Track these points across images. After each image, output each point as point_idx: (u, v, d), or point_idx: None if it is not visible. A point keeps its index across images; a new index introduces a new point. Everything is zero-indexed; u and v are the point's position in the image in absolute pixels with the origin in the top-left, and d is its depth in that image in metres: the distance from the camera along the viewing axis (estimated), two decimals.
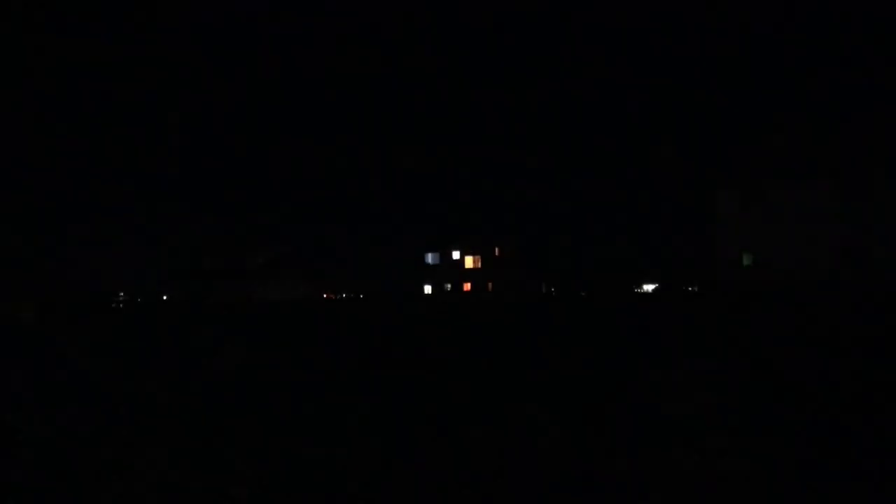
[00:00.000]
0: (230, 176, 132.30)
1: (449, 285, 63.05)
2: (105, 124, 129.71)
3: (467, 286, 62.86)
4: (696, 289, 62.48)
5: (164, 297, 62.26)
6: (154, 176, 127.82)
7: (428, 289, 63.90)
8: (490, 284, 62.57)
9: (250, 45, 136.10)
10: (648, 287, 73.99)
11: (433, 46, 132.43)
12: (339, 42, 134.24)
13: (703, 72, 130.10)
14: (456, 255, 63.31)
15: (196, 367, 11.38)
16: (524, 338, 14.36)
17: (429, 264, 64.15)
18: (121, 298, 59.44)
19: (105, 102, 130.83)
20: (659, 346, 11.68)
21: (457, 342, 13.75)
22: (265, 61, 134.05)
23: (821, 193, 41.12)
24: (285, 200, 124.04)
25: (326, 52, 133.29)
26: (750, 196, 43.74)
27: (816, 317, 17.23)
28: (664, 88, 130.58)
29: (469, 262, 63.25)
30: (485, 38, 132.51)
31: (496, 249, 62.87)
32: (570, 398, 7.56)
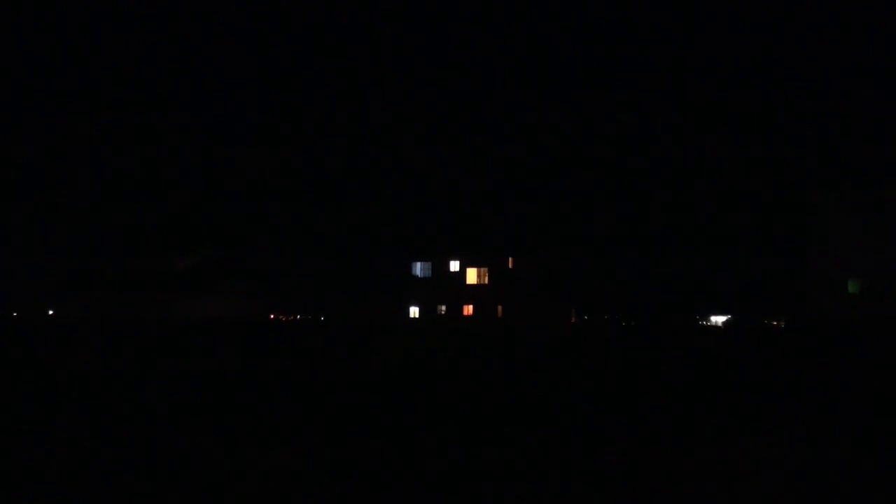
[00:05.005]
0: (151, 155, 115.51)
1: (444, 307, 53.60)
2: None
3: (468, 309, 53.41)
4: (781, 323, 58.28)
5: (50, 312, 52.78)
6: (47, 155, 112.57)
7: (414, 311, 54.31)
8: (500, 308, 52.27)
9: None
10: (717, 319, 68.04)
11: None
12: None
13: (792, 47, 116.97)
14: (454, 266, 53.89)
15: None
16: None
17: (417, 277, 54.70)
18: None
19: None
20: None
21: None
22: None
23: None
24: (221, 188, 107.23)
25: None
26: (859, 204, 39.95)
27: None
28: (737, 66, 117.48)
29: (472, 275, 53.66)
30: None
31: (510, 261, 53.65)
32: None
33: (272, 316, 54.62)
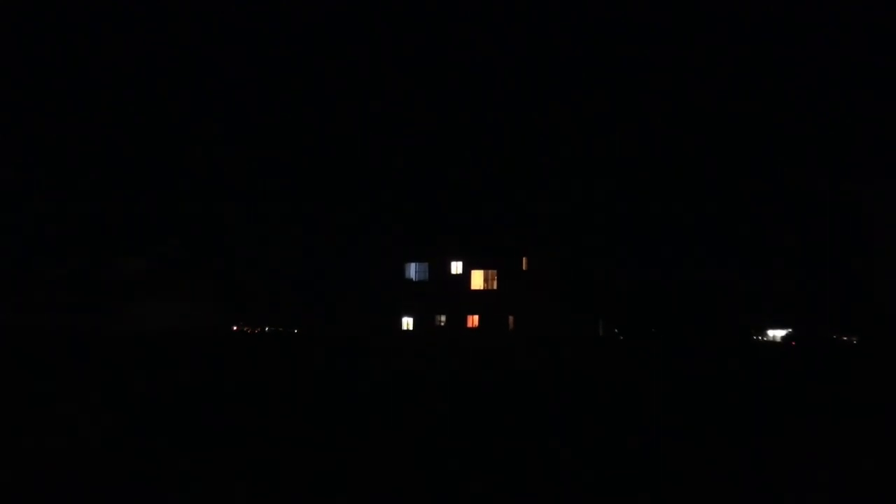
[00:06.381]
0: (88, 141, 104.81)
1: (443, 317, 46.89)
2: None
3: (473, 319, 46.74)
4: (853, 338, 52.36)
5: None
6: None
7: (408, 322, 47.45)
8: (511, 318, 45.41)
9: None
10: (775, 333, 61.73)
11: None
12: None
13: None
14: (457, 267, 47.16)
15: None
16: None
17: (412, 281, 47.94)
18: None
19: None
20: None
21: None
22: None
23: None
24: (183, 178, 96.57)
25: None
26: None
27: None
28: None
29: (478, 279, 46.95)
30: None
31: (523, 261, 46.71)
32: None
33: (235, 327, 47.59)
